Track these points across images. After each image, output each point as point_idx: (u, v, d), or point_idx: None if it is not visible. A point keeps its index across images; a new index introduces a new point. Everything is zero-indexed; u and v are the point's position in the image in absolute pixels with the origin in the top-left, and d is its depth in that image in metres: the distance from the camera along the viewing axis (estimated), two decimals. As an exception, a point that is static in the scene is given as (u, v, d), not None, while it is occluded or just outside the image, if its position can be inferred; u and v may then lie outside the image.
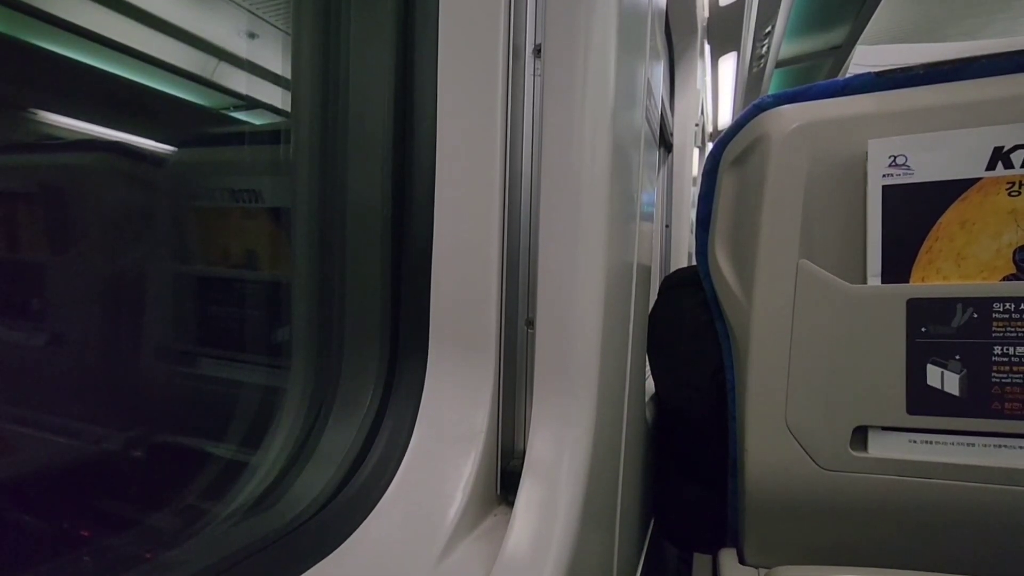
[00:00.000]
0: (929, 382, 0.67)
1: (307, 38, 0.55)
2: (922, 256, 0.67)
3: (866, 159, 0.68)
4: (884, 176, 0.68)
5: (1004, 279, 0.65)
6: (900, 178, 0.67)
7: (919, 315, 0.67)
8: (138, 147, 0.55)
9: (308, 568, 0.41)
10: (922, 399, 0.67)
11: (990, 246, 0.65)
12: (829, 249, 0.71)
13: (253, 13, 0.72)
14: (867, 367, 0.69)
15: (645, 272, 0.82)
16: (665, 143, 1.75)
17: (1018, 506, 0.65)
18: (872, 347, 0.69)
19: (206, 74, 0.69)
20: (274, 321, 0.60)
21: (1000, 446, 0.66)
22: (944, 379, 0.66)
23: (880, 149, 0.68)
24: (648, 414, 0.97)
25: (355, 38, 0.55)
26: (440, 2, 0.51)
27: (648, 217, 0.87)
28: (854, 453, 0.70)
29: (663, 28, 1.05)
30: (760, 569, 0.80)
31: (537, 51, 0.51)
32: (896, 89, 0.71)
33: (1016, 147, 0.63)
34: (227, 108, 0.72)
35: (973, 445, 0.67)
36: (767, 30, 2.70)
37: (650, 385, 1.06)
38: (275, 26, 0.74)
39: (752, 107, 0.78)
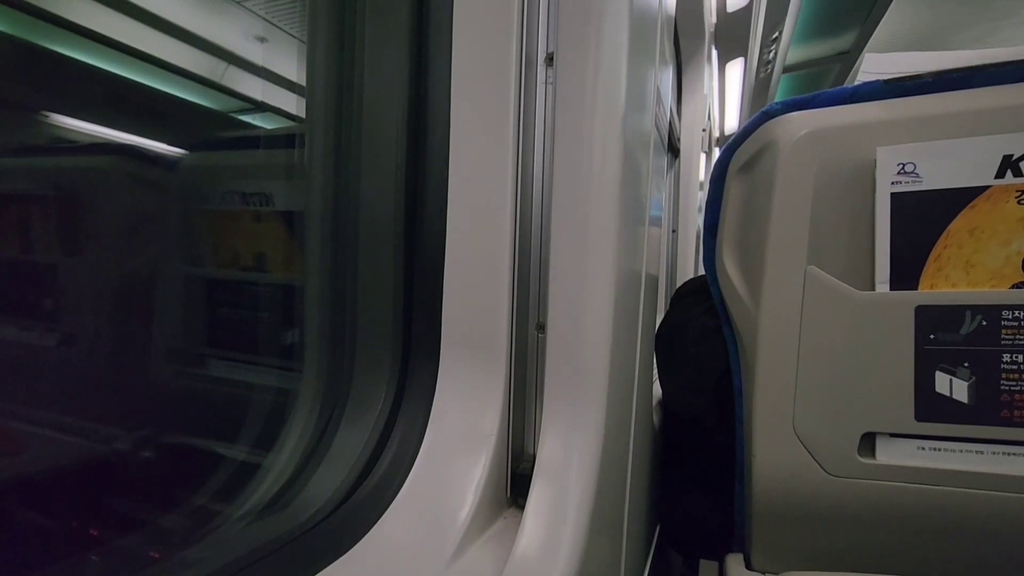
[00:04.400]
0: (938, 389, 0.67)
1: (322, 45, 0.56)
2: (931, 263, 0.67)
3: (875, 166, 0.68)
4: (893, 183, 0.68)
5: (1013, 287, 0.65)
6: (909, 185, 0.67)
7: (928, 322, 0.67)
8: (151, 150, 0.55)
9: (321, 569, 0.42)
10: (931, 406, 0.67)
11: (999, 254, 0.65)
12: (837, 256, 0.71)
13: (268, 21, 0.73)
14: (875, 374, 0.69)
15: (653, 276, 0.82)
16: (672, 148, 1.75)
17: None
18: (880, 354, 0.69)
19: (216, 78, 0.70)
20: (287, 324, 0.60)
21: (1009, 454, 0.66)
22: (953, 386, 0.66)
23: (889, 156, 0.68)
24: (655, 419, 0.98)
25: (369, 46, 0.55)
26: (454, 11, 0.52)
27: (656, 222, 0.87)
28: (862, 459, 0.70)
29: (671, 34, 1.06)
30: (767, 575, 0.80)
31: (549, 60, 0.52)
32: (905, 97, 0.72)
33: (1025, 155, 0.63)
34: (240, 112, 0.73)
35: (982, 453, 0.66)
36: (774, 36, 2.70)
37: (657, 390, 1.06)
38: (289, 33, 0.75)
39: (760, 114, 0.78)
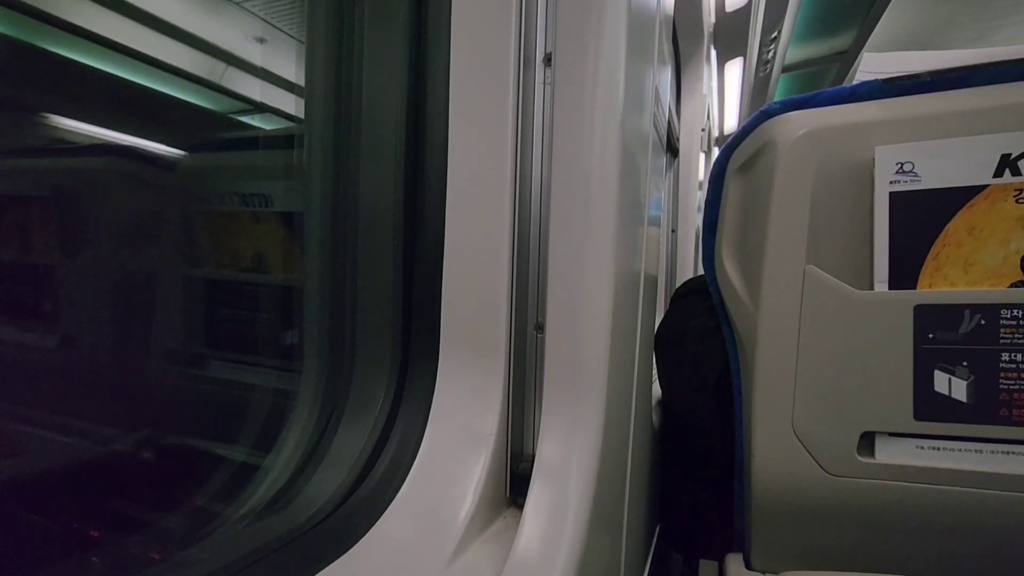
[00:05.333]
0: (936, 388, 0.67)
1: (321, 46, 0.56)
2: (929, 262, 0.67)
3: (873, 166, 0.68)
4: (891, 183, 0.68)
5: (1012, 286, 0.65)
6: (907, 185, 0.67)
7: (926, 321, 0.67)
8: (150, 151, 0.56)
9: (321, 569, 0.42)
10: (929, 405, 0.67)
11: (998, 253, 0.65)
12: (836, 255, 0.71)
13: (267, 21, 0.73)
14: (874, 373, 0.69)
15: (652, 276, 0.82)
16: (671, 148, 1.75)
17: None
18: (879, 353, 0.69)
19: (215, 79, 0.70)
20: (287, 325, 0.61)
21: (1008, 452, 0.66)
22: (952, 385, 0.66)
23: (887, 156, 0.68)
24: (655, 419, 0.98)
25: (368, 46, 0.55)
26: (452, 11, 0.52)
27: (655, 222, 0.87)
28: (861, 459, 0.70)
29: (670, 34, 1.06)
30: (767, 574, 0.80)
31: (547, 60, 0.52)
32: (903, 96, 0.72)
33: None
34: (239, 112, 0.73)
35: (981, 451, 0.67)
36: (773, 35, 2.70)
37: (657, 390, 1.06)
38: (289, 34, 0.75)
39: (759, 113, 0.78)
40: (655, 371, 1.01)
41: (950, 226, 0.66)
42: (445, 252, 0.53)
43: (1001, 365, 0.65)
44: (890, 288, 0.68)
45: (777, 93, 4.06)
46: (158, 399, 0.57)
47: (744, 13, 2.05)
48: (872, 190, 0.69)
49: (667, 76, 0.98)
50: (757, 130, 0.77)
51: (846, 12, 3.76)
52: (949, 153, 0.65)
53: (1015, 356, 0.64)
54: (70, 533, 0.46)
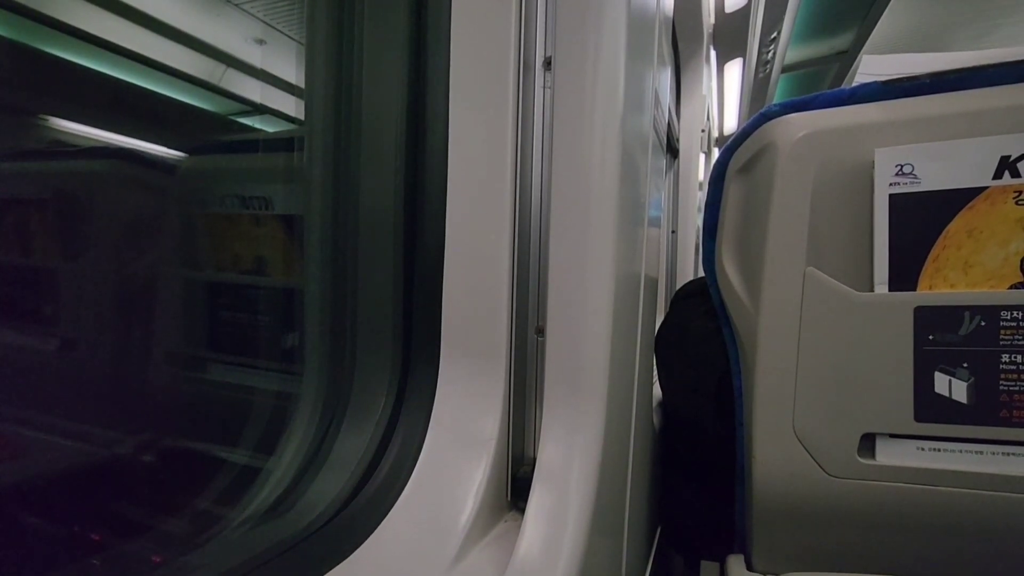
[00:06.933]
0: (937, 390, 0.67)
1: (320, 49, 0.56)
2: (929, 264, 0.67)
3: (873, 167, 0.69)
4: (891, 185, 0.68)
5: (1012, 287, 0.65)
6: (907, 187, 0.67)
7: (926, 323, 0.67)
8: (150, 154, 0.55)
9: (323, 574, 0.42)
10: (930, 407, 0.67)
11: (998, 254, 0.65)
12: (836, 257, 0.71)
13: (267, 23, 0.73)
14: (875, 374, 0.69)
15: (653, 278, 0.82)
16: (671, 149, 1.75)
17: None
18: (879, 354, 0.69)
19: (215, 80, 0.70)
20: (288, 328, 0.61)
21: (1008, 454, 0.66)
22: (952, 387, 0.67)
23: (887, 158, 0.68)
24: (655, 421, 0.98)
25: (368, 49, 0.55)
26: (452, 15, 0.52)
27: (656, 223, 0.87)
28: (862, 460, 0.70)
29: (670, 36, 1.06)
30: (768, 575, 0.80)
31: (547, 64, 0.52)
32: (902, 98, 0.72)
33: (1023, 156, 0.63)
34: (239, 114, 0.73)
35: (981, 453, 0.67)
36: (773, 36, 2.70)
37: (657, 392, 1.06)
38: (289, 36, 0.75)
39: (759, 115, 0.78)
40: (655, 373, 1.01)
41: (950, 228, 0.66)
42: (446, 256, 0.53)
43: (1001, 366, 0.65)
44: (890, 290, 0.68)
45: (777, 94, 4.06)
46: (159, 403, 0.57)
47: (744, 14, 2.05)
48: (872, 192, 0.69)
49: (667, 77, 0.98)
50: (757, 132, 0.77)
51: (846, 12, 3.76)
52: (949, 155, 0.66)
53: (1015, 357, 0.64)
54: (72, 536, 0.46)
